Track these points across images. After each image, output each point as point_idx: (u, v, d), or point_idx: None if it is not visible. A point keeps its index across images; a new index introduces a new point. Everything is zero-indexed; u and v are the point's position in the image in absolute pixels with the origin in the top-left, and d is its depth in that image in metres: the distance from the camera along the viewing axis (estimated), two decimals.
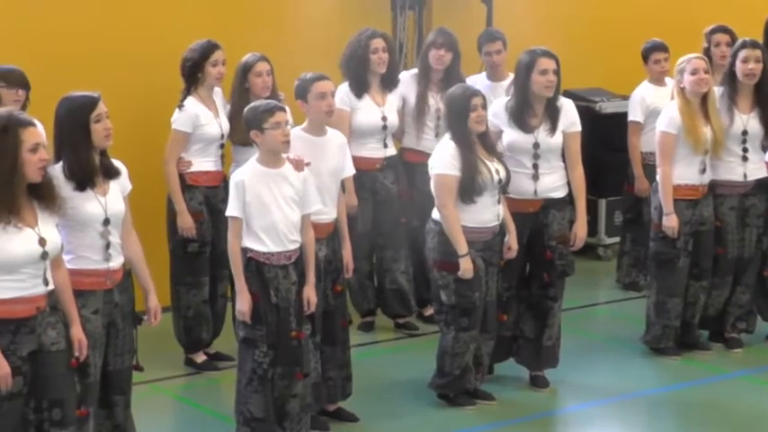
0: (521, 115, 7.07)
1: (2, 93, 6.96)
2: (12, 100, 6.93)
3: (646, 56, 9.06)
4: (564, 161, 7.22)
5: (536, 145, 7.08)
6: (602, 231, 10.42)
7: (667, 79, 8.81)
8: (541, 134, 7.08)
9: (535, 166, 7.09)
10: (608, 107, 10.26)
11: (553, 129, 7.09)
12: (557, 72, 7.03)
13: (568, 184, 7.24)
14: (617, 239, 9.90)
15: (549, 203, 7.16)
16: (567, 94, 10.30)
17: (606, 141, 10.03)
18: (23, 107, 6.94)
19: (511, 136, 7.06)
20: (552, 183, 7.15)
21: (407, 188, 8.20)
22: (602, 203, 10.36)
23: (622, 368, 7.81)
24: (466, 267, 6.73)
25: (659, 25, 10.09)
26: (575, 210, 7.25)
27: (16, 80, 7.00)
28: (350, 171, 6.79)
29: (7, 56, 7.32)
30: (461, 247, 6.73)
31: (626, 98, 9.41)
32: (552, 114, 7.10)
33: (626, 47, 9.82)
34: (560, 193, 7.20)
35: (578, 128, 7.22)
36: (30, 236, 5.08)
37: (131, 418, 5.85)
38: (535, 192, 7.11)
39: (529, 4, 10.38)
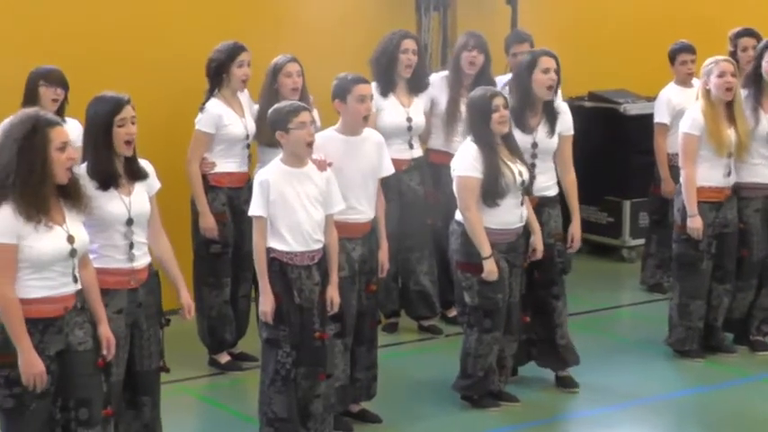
0: (521, 115, 7.07)
1: (41, 91, 7.06)
2: (50, 99, 7.04)
3: (673, 57, 9.04)
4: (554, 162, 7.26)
5: (534, 145, 7.09)
6: (627, 233, 10.39)
7: (694, 81, 8.79)
8: (540, 134, 7.10)
9: (533, 166, 7.08)
10: (632, 109, 10.24)
11: (552, 131, 7.11)
12: (557, 71, 7.04)
13: (558, 184, 7.26)
14: (641, 241, 9.88)
15: (543, 202, 7.18)
16: (592, 96, 10.37)
17: (630, 143, 10.02)
18: (62, 106, 7.05)
19: None
20: (545, 181, 7.17)
21: (433, 189, 8.19)
22: (627, 205, 10.33)
23: (646, 370, 7.79)
24: (490, 269, 6.72)
25: (684, 26, 10.07)
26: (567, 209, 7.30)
27: (55, 79, 7.11)
28: (388, 170, 6.75)
29: (41, 57, 7.36)
30: (485, 248, 6.72)
31: (651, 100, 9.40)
32: (550, 116, 7.12)
33: (651, 48, 9.81)
34: (552, 192, 7.23)
35: (572, 131, 7.28)
36: (59, 234, 5.10)
37: (159, 419, 5.86)
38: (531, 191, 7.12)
39: (553, 5, 10.37)
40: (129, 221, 5.58)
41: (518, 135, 7.02)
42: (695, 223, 7.61)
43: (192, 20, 8.68)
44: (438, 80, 8.37)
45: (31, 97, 7.01)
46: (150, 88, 8.11)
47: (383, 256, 6.72)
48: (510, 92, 7.23)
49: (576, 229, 7.29)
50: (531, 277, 7.18)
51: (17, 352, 5.04)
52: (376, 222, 6.69)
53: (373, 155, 6.62)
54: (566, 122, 7.22)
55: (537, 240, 7.00)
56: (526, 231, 6.97)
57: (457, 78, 8.29)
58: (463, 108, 8.11)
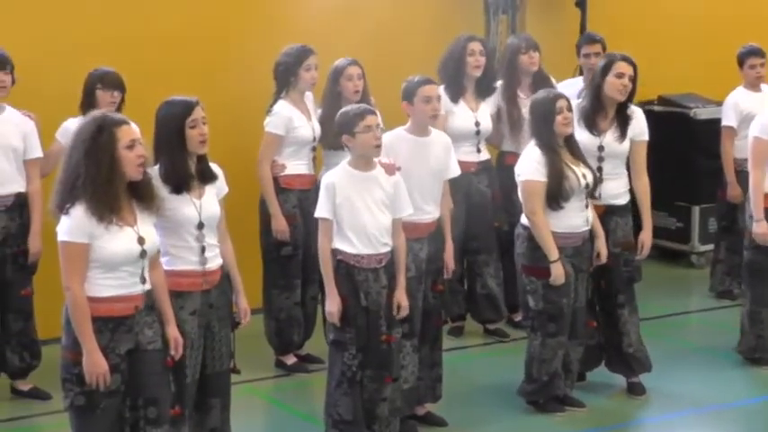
0: (591, 117, 7.03)
1: (98, 94, 7.10)
2: (107, 102, 7.07)
3: (741, 61, 8.96)
4: (627, 168, 7.19)
5: (600, 148, 7.04)
6: (696, 239, 10.31)
7: (763, 85, 8.71)
8: (608, 138, 7.04)
9: (599, 169, 7.03)
10: (703, 113, 10.17)
11: (622, 135, 7.06)
12: (633, 79, 6.99)
13: (630, 192, 7.19)
14: (710, 247, 9.79)
15: (612, 210, 7.12)
16: (662, 101, 10.30)
17: (701, 148, 9.94)
18: (118, 109, 7.07)
19: (578, 136, 7.00)
20: (615, 189, 7.11)
21: (500, 192, 8.18)
22: (696, 210, 10.26)
23: (715, 377, 7.71)
24: (557, 273, 6.70)
25: (755, 29, 9.96)
26: (638, 217, 7.23)
27: (112, 82, 7.13)
28: (455, 171, 6.77)
29: (107, 59, 7.43)
30: (553, 252, 6.70)
31: (721, 104, 9.31)
32: (622, 121, 7.07)
33: (721, 52, 9.71)
34: (622, 200, 7.16)
35: (646, 137, 7.21)
36: (129, 235, 5.16)
37: (228, 422, 5.89)
38: (598, 195, 7.04)
39: (623, 8, 10.31)
40: (200, 225, 5.62)
41: (585, 136, 7.00)
42: (761, 228, 7.52)
43: (260, 23, 8.73)
44: (501, 85, 8.37)
45: (88, 100, 7.07)
46: (218, 90, 8.18)
47: (448, 256, 6.72)
48: (583, 94, 7.20)
49: (646, 236, 7.22)
50: (599, 284, 7.15)
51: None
52: (442, 222, 6.69)
53: (441, 156, 6.64)
54: (639, 127, 7.15)
55: (601, 245, 6.96)
56: (592, 236, 6.94)
57: (514, 82, 8.27)
58: (523, 109, 8.16)
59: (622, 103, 7.05)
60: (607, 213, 7.10)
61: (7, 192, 6.96)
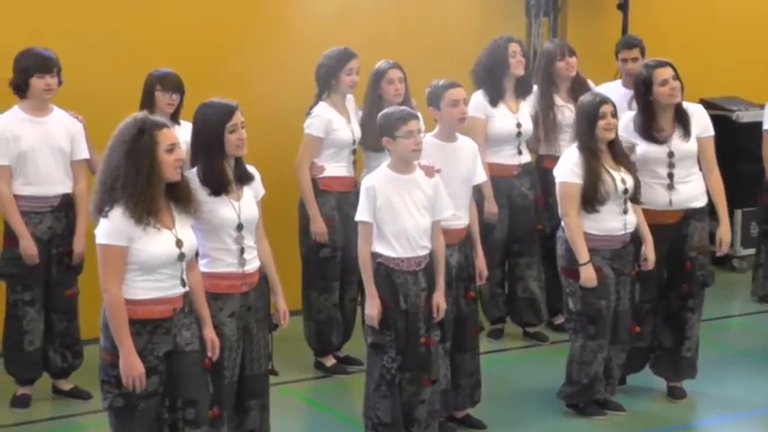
0: (649, 130, 6.99)
1: (157, 96, 7.11)
2: (166, 103, 7.09)
3: None
4: (700, 168, 7.13)
5: (670, 154, 6.99)
6: (738, 243, 10.25)
7: None
8: (675, 142, 6.99)
9: (670, 176, 6.99)
10: (745, 116, 10.10)
11: (687, 134, 7.00)
12: (677, 77, 6.94)
13: (707, 192, 7.14)
14: (752, 251, 9.74)
15: (689, 214, 7.06)
16: (704, 103, 10.20)
17: (743, 151, 9.87)
18: (176, 111, 7.10)
19: (644, 148, 6.97)
20: (691, 192, 7.05)
21: (543, 195, 8.17)
22: (738, 214, 10.20)
23: (757, 381, 7.66)
24: (587, 276, 6.69)
25: None
26: (715, 219, 7.17)
27: (171, 84, 7.13)
28: (481, 177, 6.77)
29: (161, 61, 7.47)
30: (582, 255, 6.69)
31: (764, 107, 9.25)
32: (682, 120, 7.01)
33: (765, 55, 9.66)
34: (700, 203, 7.10)
35: (712, 132, 7.15)
36: (168, 237, 5.18)
37: (267, 422, 5.91)
38: (670, 202, 7.00)
39: (665, 10, 10.25)
40: (240, 227, 5.64)
41: (653, 148, 6.95)
42: None
43: (301, 24, 8.76)
44: (537, 93, 8.36)
45: (148, 101, 7.10)
46: (258, 91, 8.21)
47: (480, 263, 6.72)
48: (634, 106, 7.16)
49: (724, 232, 7.19)
50: (670, 287, 7.12)
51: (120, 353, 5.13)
52: (471, 229, 6.69)
53: (469, 162, 6.64)
54: (703, 124, 7.09)
55: (648, 250, 6.91)
56: (637, 239, 6.91)
57: (550, 89, 8.27)
58: (559, 115, 8.13)
59: (677, 104, 7.00)
60: (685, 218, 7.05)
61: (54, 192, 7.01)
